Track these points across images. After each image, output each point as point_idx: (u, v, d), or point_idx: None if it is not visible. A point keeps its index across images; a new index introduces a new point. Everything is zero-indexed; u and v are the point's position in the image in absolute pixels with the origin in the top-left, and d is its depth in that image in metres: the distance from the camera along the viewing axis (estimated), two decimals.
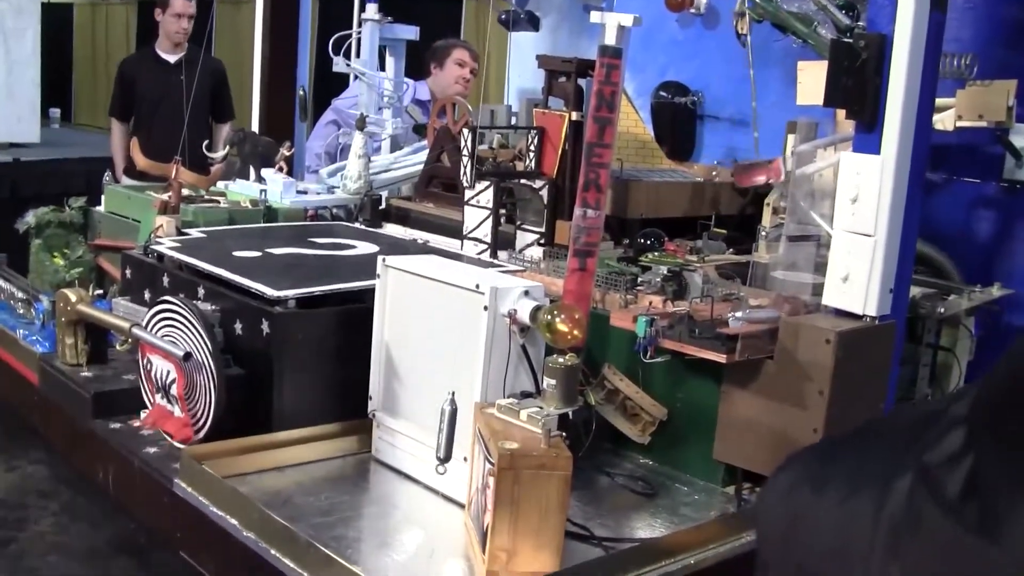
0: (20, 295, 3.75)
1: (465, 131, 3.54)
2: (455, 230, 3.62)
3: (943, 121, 3.44)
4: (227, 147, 4.31)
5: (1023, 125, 3.60)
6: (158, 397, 2.84)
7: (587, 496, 2.58)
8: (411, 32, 4.63)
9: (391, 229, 3.93)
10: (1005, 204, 3.80)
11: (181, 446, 2.67)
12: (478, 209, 3.48)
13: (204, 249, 3.20)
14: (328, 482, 2.58)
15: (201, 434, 2.71)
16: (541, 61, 3.56)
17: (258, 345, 2.76)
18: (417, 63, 5.57)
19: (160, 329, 2.84)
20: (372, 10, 4.48)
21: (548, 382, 2.24)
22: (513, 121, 4.05)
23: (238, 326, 2.84)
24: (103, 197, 4.18)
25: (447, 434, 2.28)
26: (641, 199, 3.55)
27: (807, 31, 3.42)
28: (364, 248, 3.40)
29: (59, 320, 3.17)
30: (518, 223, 3.51)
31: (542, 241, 3.41)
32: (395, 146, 4.58)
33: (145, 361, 2.86)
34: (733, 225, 3.59)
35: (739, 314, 2.62)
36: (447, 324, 2.49)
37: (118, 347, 3.28)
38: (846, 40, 2.57)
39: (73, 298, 3.14)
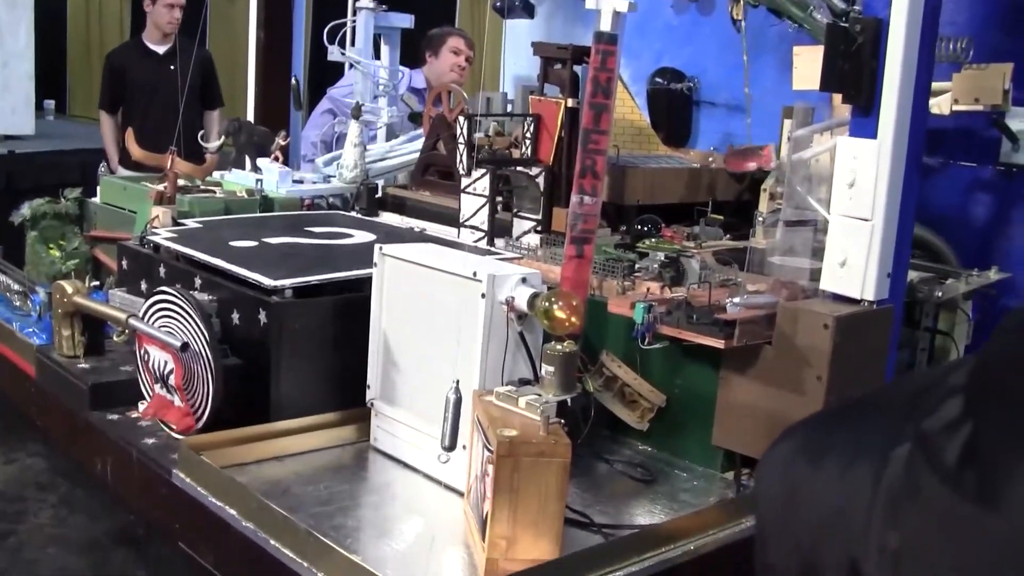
0: (16, 287, 3.74)
1: (461, 119, 3.53)
2: (452, 218, 3.61)
3: (939, 105, 3.44)
4: (222, 137, 4.30)
5: (1019, 108, 3.60)
6: (158, 387, 2.83)
7: (586, 483, 2.58)
8: (406, 20, 4.61)
9: (387, 218, 3.93)
10: (1002, 188, 3.80)
11: (180, 436, 2.66)
12: (474, 197, 3.48)
13: (200, 239, 3.19)
14: (327, 471, 2.58)
15: (199, 424, 2.70)
16: (536, 48, 3.55)
17: (255, 335, 2.76)
18: (412, 51, 5.56)
19: (157, 320, 2.84)
20: None
21: (546, 369, 2.24)
22: (509, 109, 4.04)
23: (235, 316, 2.83)
24: (99, 188, 4.17)
25: (452, 423, 2.28)
26: (638, 185, 3.54)
27: (803, 16, 3.41)
28: (361, 237, 3.39)
29: (56, 312, 3.16)
30: (515, 211, 3.50)
31: (539, 228, 3.41)
32: (391, 134, 4.57)
33: (143, 352, 2.85)
34: (730, 211, 3.59)
35: (737, 300, 2.62)
36: (445, 312, 2.49)
37: (115, 338, 3.28)
38: (842, 24, 2.56)
39: (69, 290, 3.14)
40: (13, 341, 3.47)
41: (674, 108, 4.55)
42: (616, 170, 3.49)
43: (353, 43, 4.49)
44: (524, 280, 2.40)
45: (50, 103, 10.14)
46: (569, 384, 2.25)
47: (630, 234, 3.33)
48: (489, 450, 2.12)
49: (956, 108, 3.47)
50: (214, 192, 3.94)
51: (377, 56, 4.59)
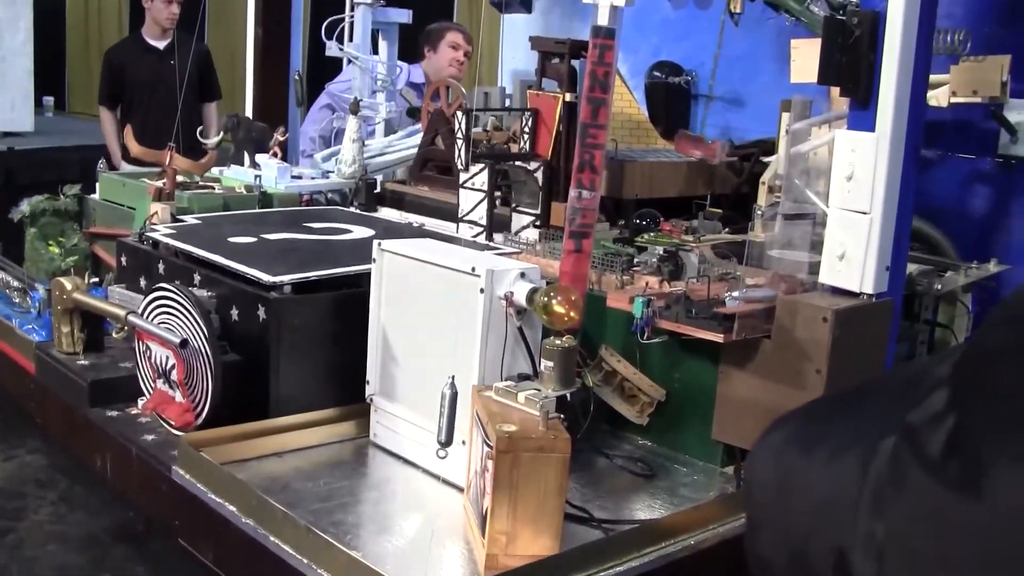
0: (16, 284, 3.74)
1: (459, 114, 3.53)
2: (450, 213, 3.61)
3: (937, 97, 3.43)
4: (221, 133, 4.30)
5: (1017, 100, 3.60)
6: (160, 383, 2.83)
7: (586, 478, 2.58)
8: (404, 15, 4.61)
9: (386, 213, 3.93)
10: (1000, 180, 3.80)
11: (180, 433, 2.66)
12: (473, 192, 3.47)
13: (199, 235, 3.19)
14: (326, 467, 2.58)
15: (199, 421, 2.70)
16: (534, 43, 3.55)
17: (254, 331, 2.76)
18: (411, 46, 5.55)
19: (156, 316, 2.84)
20: None
21: (545, 364, 2.24)
22: (507, 103, 4.04)
23: (234, 312, 2.83)
24: (98, 185, 4.17)
25: (448, 418, 2.28)
26: (636, 179, 3.54)
27: (800, 9, 3.41)
28: (359, 232, 3.39)
29: (55, 308, 3.16)
30: (513, 205, 3.50)
31: (537, 223, 3.41)
32: (389, 130, 4.57)
33: (143, 346, 2.85)
34: (728, 204, 3.59)
35: (736, 293, 2.62)
36: (443, 307, 2.49)
37: (114, 335, 3.28)
38: (839, 17, 2.56)
39: (69, 286, 3.14)
40: (13, 338, 3.47)
41: (672, 102, 4.55)
42: (614, 164, 3.49)
43: (351, 38, 4.49)
44: (523, 275, 2.40)
45: (49, 100, 10.14)
46: (568, 379, 2.25)
47: (629, 228, 3.33)
48: (488, 445, 2.12)
49: (954, 100, 3.46)
50: (213, 188, 3.94)
51: (375, 51, 4.59)
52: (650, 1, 4.37)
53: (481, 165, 3.44)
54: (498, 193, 3.52)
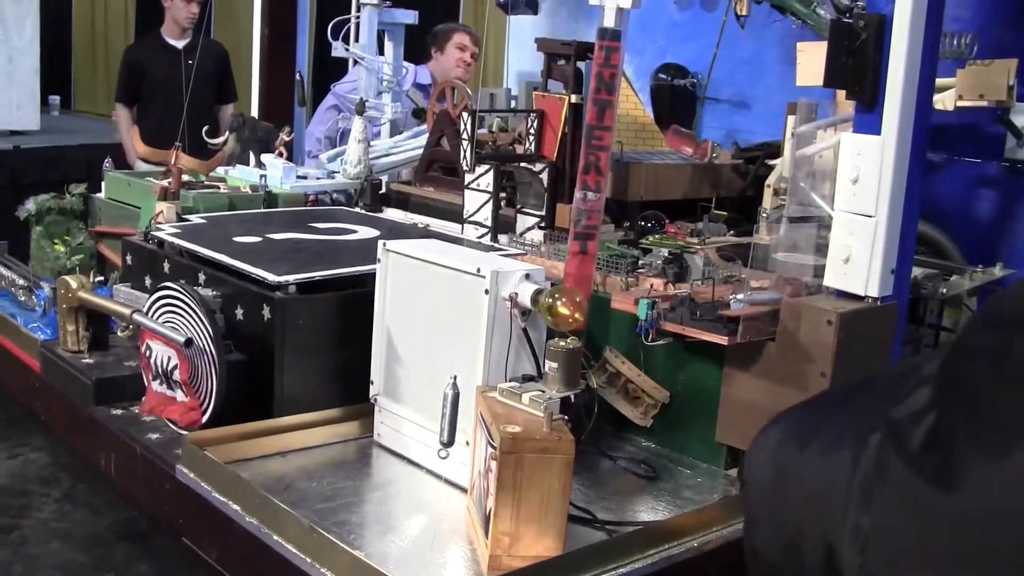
0: (21, 282, 3.75)
1: (464, 115, 3.53)
2: (455, 214, 3.61)
3: (943, 101, 3.43)
4: (227, 132, 4.30)
5: None
6: (156, 384, 2.83)
7: (589, 479, 2.58)
8: (410, 16, 4.61)
9: (391, 213, 3.93)
10: (1006, 184, 3.80)
11: (184, 432, 2.67)
12: (478, 193, 3.47)
13: (204, 235, 3.19)
14: (330, 467, 2.58)
15: (203, 420, 2.71)
16: (540, 44, 3.55)
17: (259, 330, 2.76)
18: (417, 47, 5.56)
19: (161, 315, 2.84)
20: None
21: (550, 365, 2.24)
22: (512, 104, 4.05)
23: (239, 311, 2.83)
24: (103, 184, 4.18)
25: (450, 418, 2.28)
26: (641, 181, 3.54)
27: (806, 11, 3.41)
28: (364, 233, 3.39)
29: (60, 307, 3.17)
30: (518, 207, 3.50)
31: (542, 224, 3.41)
32: (395, 130, 4.57)
33: (144, 347, 2.85)
34: (733, 207, 3.59)
35: (740, 296, 2.62)
36: (448, 308, 2.49)
37: (119, 333, 3.28)
38: (846, 20, 2.56)
39: (74, 285, 3.14)
40: (18, 336, 3.47)
41: (677, 104, 4.55)
42: (619, 166, 3.49)
43: (357, 39, 4.49)
44: (528, 276, 2.40)
45: (55, 99, 10.15)
46: (573, 380, 2.25)
47: (634, 230, 3.33)
48: (492, 446, 2.12)
49: (960, 104, 3.46)
50: (218, 188, 3.94)
51: (381, 52, 4.59)
52: (656, 3, 4.38)
53: (486, 166, 3.44)
54: (503, 194, 3.52)
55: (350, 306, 2.79)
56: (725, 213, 3.46)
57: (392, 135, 4.53)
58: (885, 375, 1.30)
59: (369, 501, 2.45)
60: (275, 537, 2.25)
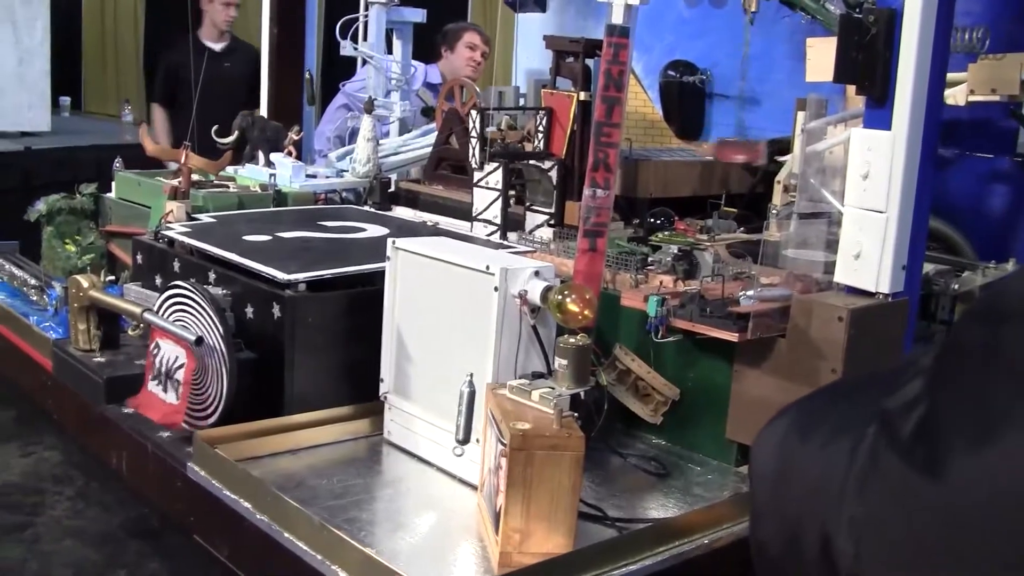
0: (33, 282, 3.76)
1: (473, 113, 3.53)
2: (464, 212, 3.62)
3: (955, 96, 3.42)
4: (235, 132, 4.31)
5: None
6: (152, 384, 2.83)
7: (599, 476, 2.58)
8: (418, 15, 4.61)
9: (400, 212, 3.93)
10: (1019, 179, 3.78)
11: (195, 430, 2.67)
12: (487, 191, 3.47)
13: (214, 234, 3.20)
14: (341, 465, 2.59)
15: (213, 418, 2.71)
16: (548, 42, 3.55)
17: (269, 329, 2.76)
18: (425, 46, 5.55)
19: (171, 314, 2.85)
20: None
21: (559, 362, 2.24)
22: (521, 102, 4.04)
23: (249, 310, 2.84)
24: (113, 184, 4.19)
25: (466, 416, 2.28)
26: (650, 178, 3.54)
27: (816, 7, 3.40)
28: (374, 231, 3.39)
29: (71, 306, 3.17)
30: (527, 204, 3.50)
31: (552, 222, 3.41)
32: (403, 129, 4.57)
33: (152, 346, 2.85)
34: (743, 204, 3.58)
35: (750, 293, 2.61)
36: (458, 306, 2.49)
37: (130, 332, 3.29)
38: (856, 15, 2.55)
39: (85, 284, 3.14)
40: (30, 335, 3.48)
41: (686, 101, 4.54)
42: (629, 163, 3.49)
43: (365, 38, 4.49)
44: (537, 273, 2.40)
45: (65, 100, 10.16)
46: (582, 377, 2.25)
47: (643, 227, 3.33)
48: (502, 443, 2.12)
49: (972, 99, 3.45)
50: (228, 187, 3.95)
51: (389, 51, 4.59)
52: (664, 0, 4.36)
53: (495, 164, 3.44)
54: (512, 192, 3.52)
55: (360, 304, 2.79)
56: (735, 210, 3.46)
57: (401, 133, 4.53)
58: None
59: (379, 498, 2.45)
60: (286, 534, 2.26)
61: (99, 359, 3.12)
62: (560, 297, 2.27)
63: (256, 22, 5.71)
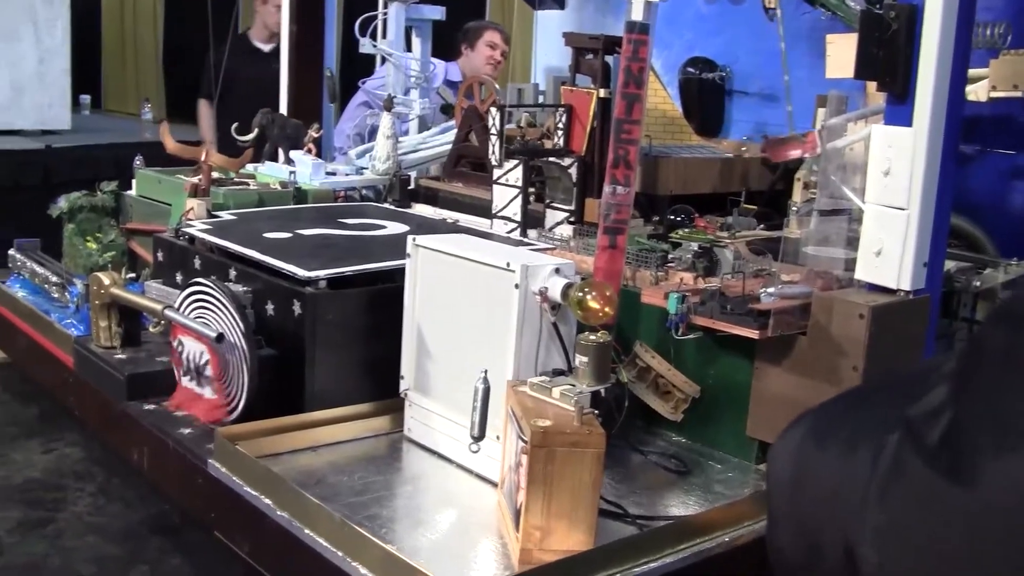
0: (54, 279, 3.78)
1: (493, 110, 3.53)
2: (484, 209, 3.62)
3: (976, 92, 3.40)
4: (255, 129, 4.32)
5: None
6: (186, 380, 2.85)
7: (620, 474, 2.58)
8: (437, 12, 4.62)
9: (420, 209, 3.93)
10: None
11: (216, 427, 2.68)
12: (507, 188, 3.47)
13: (235, 231, 3.21)
14: (361, 461, 2.59)
15: (234, 415, 2.72)
16: (568, 39, 3.54)
17: (290, 326, 2.77)
18: (444, 44, 5.56)
19: (192, 311, 2.86)
20: None
21: (580, 359, 2.24)
22: (540, 99, 4.04)
23: (269, 307, 2.84)
24: (134, 181, 4.20)
25: (480, 412, 2.28)
26: (670, 175, 3.53)
27: (836, 3, 3.39)
28: (394, 228, 3.40)
29: (93, 303, 3.19)
30: (547, 201, 3.50)
31: (572, 219, 3.41)
32: (423, 126, 4.58)
33: (176, 343, 2.87)
34: (763, 201, 3.57)
35: (771, 290, 2.61)
36: (478, 303, 2.49)
37: (151, 329, 3.30)
38: (876, 11, 2.54)
39: (106, 281, 3.16)
40: (51, 332, 3.50)
41: (706, 97, 4.53)
42: (648, 160, 3.48)
43: (384, 35, 4.50)
44: (557, 270, 2.40)
45: (86, 98, 10.21)
46: (603, 374, 2.25)
47: (663, 224, 3.33)
48: (523, 440, 2.12)
49: (993, 95, 3.43)
50: (248, 184, 3.96)
51: (409, 48, 4.60)
52: None
53: (515, 161, 3.44)
54: (532, 189, 3.52)
55: (380, 301, 2.79)
56: (755, 207, 3.45)
57: (420, 131, 4.54)
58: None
59: (400, 495, 2.45)
60: (307, 531, 2.26)
61: (120, 356, 3.13)
62: (580, 294, 2.27)
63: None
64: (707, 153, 3.76)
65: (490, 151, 3.53)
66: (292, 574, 2.37)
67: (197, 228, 3.23)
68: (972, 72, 2.94)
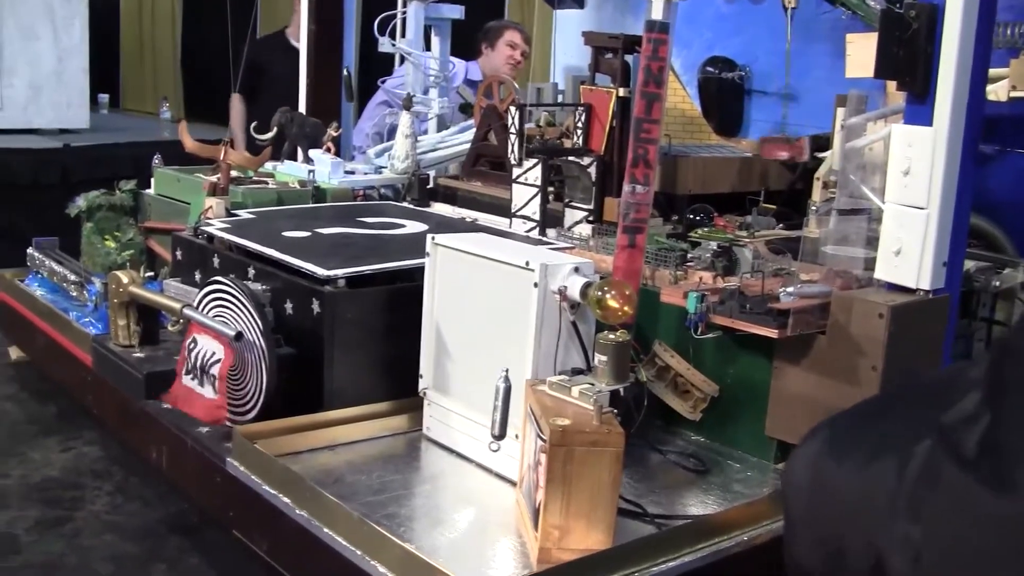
0: (73, 278, 3.79)
1: (512, 109, 3.53)
2: (503, 208, 3.62)
3: (996, 91, 3.39)
4: (274, 128, 4.33)
5: None
6: (187, 378, 2.84)
7: (639, 473, 2.57)
8: (456, 11, 4.62)
9: (439, 208, 3.94)
10: None
11: (234, 426, 2.68)
12: (526, 187, 3.47)
13: (253, 230, 3.21)
14: (379, 460, 2.59)
15: (253, 414, 2.72)
16: (587, 38, 3.54)
17: (308, 324, 2.77)
18: (463, 43, 5.55)
19: (211, 310, 2.86)
20: None
21: (599, 358, 2.23)
22: (560, 99, 4.04)
23: (288, 306, 2.85)
24: (152, 180, 4.21)
25: (502, 412, 2.28)
26: (689, 175, 3.53)
27: (856, 2, 3.38)
28: (413, 227, 3.40)
29: (111, 302, 3.20)
30: (566, 200, 3.50)
31: (591, 218, 3.40)
32: (442, 125, 4.58)
33: (189, 341, 2.86)
34: (782, 200, 3.56)
35: (790, 289, 2.60)
36: (497, 302, 2.49)
37: (170, 328, 3.31)
38: (896, 10, 2.53)
39: (125, 280, 3.17)
40: (70, 331, 3.51)
41: (725, 97, 4.53)
42: (668, 160, 3.48)
43: (404, 35, 4.50)
44: (576, 269, 2.40)
45: (104, 97, 10.22)
46: (622, 374, 2.24)
47: (682, 223, 3.32)
48: (542, 439, 2.11)
49: (1014, 94, 3.42)
50: (267, 183, 3.97)
51: (428, 47, 4.60)
52: None
53: (534, 160, 3.44)
54: (551, 188, 3.52)
55: (399, 300, 2.79)
56: (774, 206, 3.44)
57: (439, 130, 4.54)
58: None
59: (418, 494, 2.45)
60: (325, 530, 2.26)
61: (139, 355, 3.14)
62: (600, 293, 2.27)
63: (289, 18, 5.73)
64: (726, 152, 3.75)
65: (509, 150, 3.53)
66: (310, 573, 2.37)
67: (216, 227, 3.24)
68: (992, 72, 2.93)
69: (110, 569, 2.77)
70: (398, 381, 2.77)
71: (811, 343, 2.57)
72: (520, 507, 2.32)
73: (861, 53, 3.36)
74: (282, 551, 2.47)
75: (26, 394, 3.91)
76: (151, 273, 3.71)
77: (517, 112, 3.48)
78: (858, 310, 2.50)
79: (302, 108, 4.79)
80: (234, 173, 3.82)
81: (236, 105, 7.02)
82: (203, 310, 2.88)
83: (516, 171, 3.50)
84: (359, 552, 2.17)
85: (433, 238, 2.66)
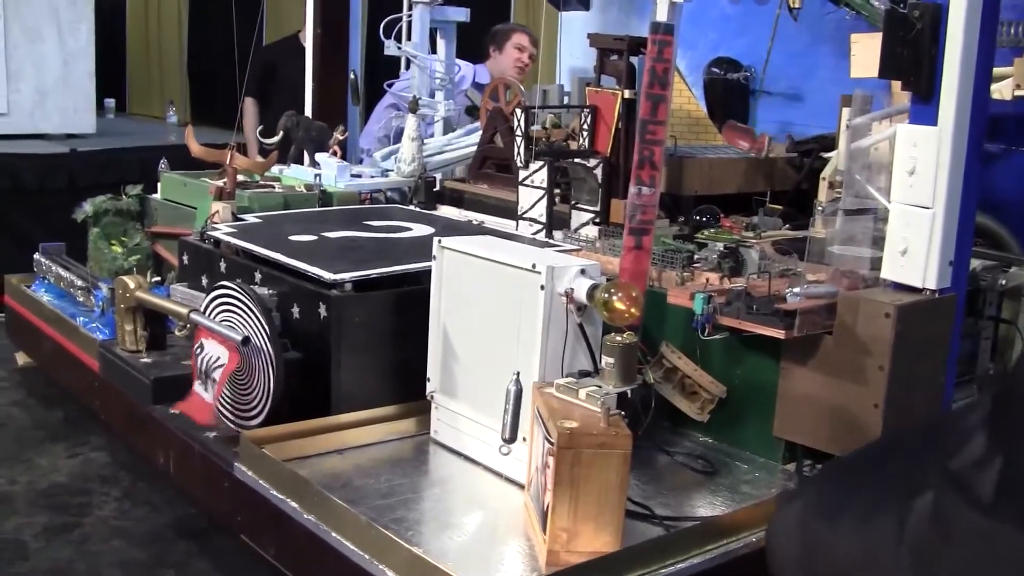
0: (79, 283, 3.79)
1: (518, 111, 3.53)
2: (510, 211, 3.62)
3: (1001, 91, 3.39)
4: (280, 132, 4.33)
5: None
6: (197, 384, 2.85)
7: (647, 475, 2.57)
8: (461, 14, 4.62)
9: (446, 211, 3.94)
10: None
11: (240, 430, 2.68)
12: (532, 189, 3.47)
13: (260, 234, 3.21)
14: (387, 464, 2.59)
15: (260, 418, 2.72)
16: (592, 40, 3.54)
17: (315, 328, 2.77)
18: (469, 46, 5.56)
19: (218, 314, 2.86)
20: None
21: (606, 360, 2.23)
22: (565, 101, 4.04)
23: (295, 310, 2.85)
24: (159, 185, 4.21)
25: (512, 414, 2.28)
26: (695, 176, 3.53)
27: (861, 2, 3.38)
28: (419, 230, 3.40)
29: (118, 307, 3.20)
30: (573, 202, 3.50)
31: (597, 220, 3.40)
32: (448, 128, 4.58)
33: (197, 346, 2.87)
34: (788, 200, 3.56)
35: (797, 289, 2.60)
36: (504, 304, 2.49)
37: (177, 333, 3.31)
38: (901, 10, 2.53)
39: (131, 285, 3.17)
40: (77, 336, 3.51)
41: (731, 98, 4.52)
42: (673, 161, 3.48)
43: (409, 38, 4.51)
44: (583, 272, 2.40)
45: (110, 102, 10.24)
46: (629, 375, 2.24)
47: (688, 225, 3.32)
48: (550, 442, 2.11)
49: (1018, 93, 3.42)
50: (273, 187, 3.97)
51: (434, 50, 4.60)
52: None
53: (540, 162, 3.44)
54: (557, 190, 3.52)
55: (406, 303, 2.79)
56: (780, 207, 3.44)
57: (446, 133, 4.54)
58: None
59: (426, 498, 2.45)
60: (333, 534, 2.26)
61: (146, 360, 3.14)
62: (606, 295, 2.27)
63: (299, 22, 5.73)
64: (732, 153, 3.75)
65: (515, 153, 3.53)
66: None
67: (222, 231, 3.24)
68: (997, 71, 2.93)
69: (118, 574, 2.77)
70: (405, 384, 2.77)
71: (818, 343, 2.57)
72: (528, 510, 2.32)
73: (865, 53, 3.36)
74: (290, 556, 2.47)
75: (33, 400, 3.91)
76: (158, 278, 3.71)
77: (523, 114, 3.48)
78: (865, 310, 2.50)
79: (308, 112, 4.79)
80: (241, 177, 3.82)
81: (250, 109, 7.03)
82: (210, 315, 2.88)
83: (522, 173, 3.50)
84: (367, 556, 2.17)
85: (440, 241, 2.66)
